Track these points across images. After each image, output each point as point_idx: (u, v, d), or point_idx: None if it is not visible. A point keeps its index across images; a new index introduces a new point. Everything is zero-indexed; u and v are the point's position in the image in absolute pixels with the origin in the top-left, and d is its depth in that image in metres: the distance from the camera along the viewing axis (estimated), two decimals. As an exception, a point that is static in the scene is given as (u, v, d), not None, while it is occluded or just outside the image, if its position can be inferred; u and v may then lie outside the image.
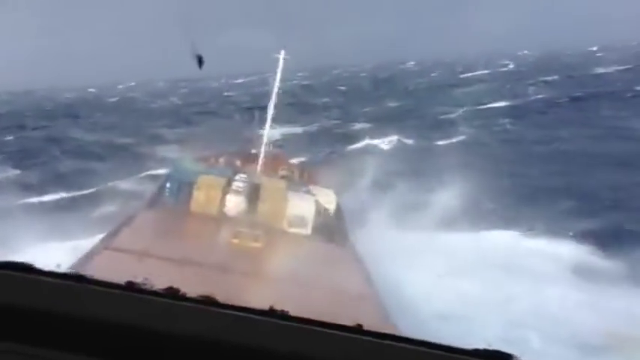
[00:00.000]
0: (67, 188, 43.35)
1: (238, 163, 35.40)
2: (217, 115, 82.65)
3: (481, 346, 2.15)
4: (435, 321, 21.89)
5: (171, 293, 2.12)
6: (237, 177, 30.05)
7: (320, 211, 28.61)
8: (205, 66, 18.54)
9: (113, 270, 18.45)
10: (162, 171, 38.86)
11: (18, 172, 48.94)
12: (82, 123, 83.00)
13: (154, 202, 27.55)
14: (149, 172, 45.04)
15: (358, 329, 2.14)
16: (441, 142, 61.36)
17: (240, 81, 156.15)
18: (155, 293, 2.07)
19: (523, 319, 23.35)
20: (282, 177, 33.75)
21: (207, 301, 2.10)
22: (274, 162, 35.93)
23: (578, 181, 43.25)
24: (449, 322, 21.83)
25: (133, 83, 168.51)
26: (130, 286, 2.12)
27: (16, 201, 36.58)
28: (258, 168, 33.63)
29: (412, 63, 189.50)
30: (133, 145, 60.13)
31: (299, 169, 37.25)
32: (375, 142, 61.89)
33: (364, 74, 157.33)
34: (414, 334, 2.35)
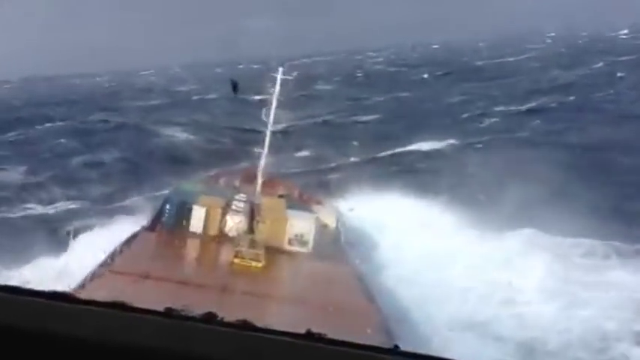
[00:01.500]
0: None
1: (237, 183, 35.51)
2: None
3: None
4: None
5: (209, 318, 2.17)
6: (236, 197, 30.14)
7: (320, 229, 28.65)
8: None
9: (113, 292, 18.49)
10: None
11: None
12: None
13: (154, 223, 27.56)
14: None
15: (393, 349, 2.20)
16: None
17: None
18: (192, 318, 2.13)
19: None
20: (281, 196, 33.83)
21: (245, 326, 2.15)
22: (274, 182, 36.03)
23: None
24: None
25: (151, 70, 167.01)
26: (169, 312, 2.18)
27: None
28: (258, 188, 33.68)
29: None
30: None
31: (298, 189, 37.36)
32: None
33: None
34: None
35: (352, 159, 54.51)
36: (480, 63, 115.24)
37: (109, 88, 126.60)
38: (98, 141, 60.51)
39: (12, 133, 67.00)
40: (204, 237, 26.99)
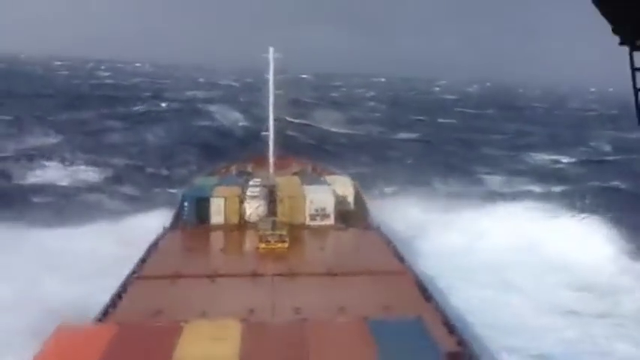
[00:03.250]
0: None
1: (250, 168, 35.41)
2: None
3: None
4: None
5: None
6: (251, 182, 30.08)
7: (339, 199, 28.62)
8: None
9: (149, 298, 18.59)
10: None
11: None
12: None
13: (176, 222, 27.59)
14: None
15: None
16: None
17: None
18: None
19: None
20: (295, 173, 33.73)
21: None
22: (285, 160, 35.89)
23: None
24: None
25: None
26: None
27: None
28: (270, 169, 33.62)
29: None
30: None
31: (312, 164, 37.22)
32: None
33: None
34: None
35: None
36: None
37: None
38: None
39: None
40: (226, 227, 27.01)
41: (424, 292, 19.63)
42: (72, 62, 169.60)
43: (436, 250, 26.20)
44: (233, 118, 72.88)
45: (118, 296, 18.85)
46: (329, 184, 29.81)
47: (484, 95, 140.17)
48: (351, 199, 29.45)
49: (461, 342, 15.82)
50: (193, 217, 27.35)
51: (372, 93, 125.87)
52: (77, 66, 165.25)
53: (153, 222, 28.22)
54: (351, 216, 28.55)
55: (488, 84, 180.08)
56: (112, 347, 12.70)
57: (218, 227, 26.99)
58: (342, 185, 30.08)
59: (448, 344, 15.02)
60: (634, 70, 2.24)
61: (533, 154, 62.87)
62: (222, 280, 20.42)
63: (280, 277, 20.71)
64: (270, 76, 32.51)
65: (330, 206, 27.67)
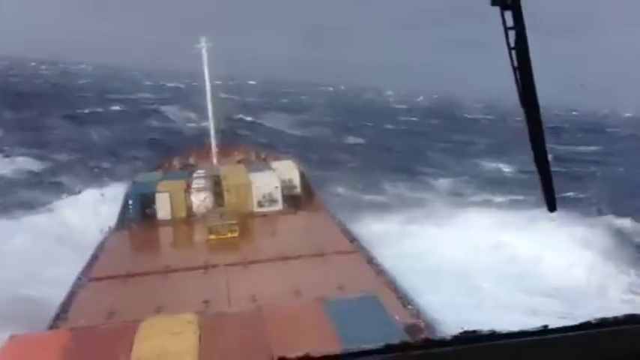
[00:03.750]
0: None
1: (192, 160, 35.09)
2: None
3: None
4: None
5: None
6: (195, 174, 29.82)
7: (285, 183, 28.67)
8: None
9: (101, 300, 18.30)
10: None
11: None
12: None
13: (121, 222, 27.15)
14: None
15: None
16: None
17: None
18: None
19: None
20: (239, 161, 33.60)
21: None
22: (228, 150, 35.71)
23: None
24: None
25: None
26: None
27: None
28: (214, 160, 33.41)
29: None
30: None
31: (254, 150, 37.13)
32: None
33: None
34: None
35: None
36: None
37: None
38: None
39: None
40: (174, 221, 26.75)
41: (376, 269, 19.91)
42: (9, 61, 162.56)
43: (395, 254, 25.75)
44: (183, 116, 72.01)
45: (69, 301, 18.48)
46: (274, 170, 29.80)
47: (432, 106, 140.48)
48: (297, 182, 29.53)
49: (416, 314, 16.18)
50: (139, 214, 26.96)
51: (321, 100, 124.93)
52: (17, 65, 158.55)
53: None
54: (298, 200, 28.67)
55: (435, 96, 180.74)
56: (68, 353, 12.47)
57: (166, 222, 26.70)
58: (288, 170, 30.13)
59: (404, 317, 15.33)
60: (506, 29, 2.36)
61: (478, 160, 63.04)
62: (174, 274, 20.23)
63: (233, 266, 20.65)
64: (205, 65, 32.29)
65: (276, 191, 27.71)
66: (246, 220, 25.63)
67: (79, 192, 34.61)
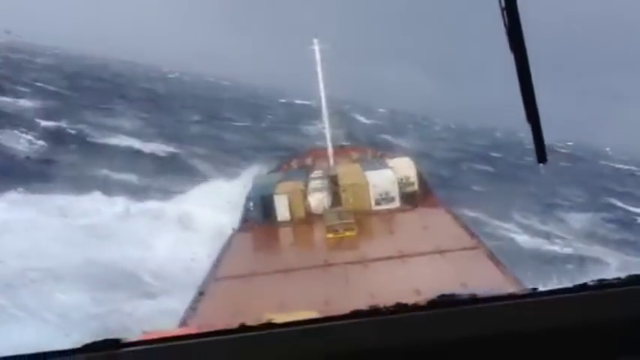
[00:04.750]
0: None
1: (310, 161, 35.67)
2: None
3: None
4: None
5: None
6: (312, 175, 30.27)
7: (402, 180, 28.39)
8: None
9: (227, 298, 18.99)
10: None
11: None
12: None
13: (243, 224, 28.12)
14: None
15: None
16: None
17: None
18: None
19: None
20: (355, 161, 33.72)
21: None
22: (343, 150, 36.01)
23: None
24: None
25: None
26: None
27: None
28: (330, 160, 33.76)
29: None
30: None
31: (370, 149, 37.16)
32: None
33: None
34: None
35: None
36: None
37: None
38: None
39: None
40: (293, 222, 27.29)
41: (498, 264, 19.19)
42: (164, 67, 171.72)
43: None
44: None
45: (198, 299, 19.34)
46: (390, 167, 29.59)
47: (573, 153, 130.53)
48: (414, 179, 29.14)
49: None
50: (260, 216, 27.76)
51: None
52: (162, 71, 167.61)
53: None
54: (416, 197, 28.29)
55: (570, 143, 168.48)
56: None
57: (285, 223, 27.29)
58: (404, 167, 29.81)
59: None
60: None
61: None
62: (295, 274, 20.60)
63: (352, 264, 20.70)
64: (319, 68, 32.77)
65: (394, 189, 27.51)
66: (363, 219, 25.63)
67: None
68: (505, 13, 2.37)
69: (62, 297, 21.56)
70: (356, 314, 1.97)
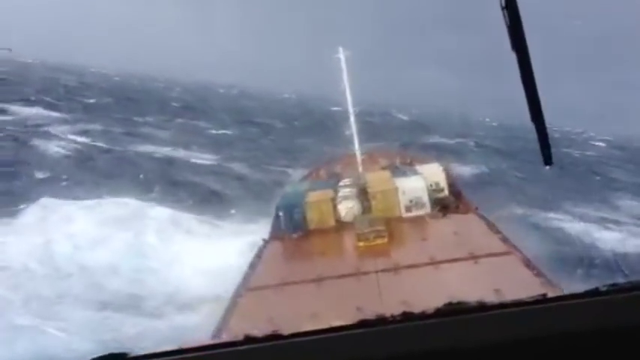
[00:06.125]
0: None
1: (339, 169, 35.64)
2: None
3: None
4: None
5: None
6: (341, 183, 30.23)
7: (432, 186, 28.17)
8: None
9: (259, 308, 19.02)
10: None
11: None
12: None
13: (274, 233, 28.17)
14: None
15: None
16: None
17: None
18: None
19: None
20: (384, 168, 33.58)
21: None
22: (372, 156, 35.91)
23: None
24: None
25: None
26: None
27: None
28: (359, 167, 33.70)
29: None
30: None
31: (399, 155, 36.97)
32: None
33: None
34: None
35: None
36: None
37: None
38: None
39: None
40: (323, 231, 27.23)
41: (533, 270, 18.87)
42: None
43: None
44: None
45: (230, 310, 19.41)
46: (420, 174, 29.39)
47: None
48: (444, 184, 28.92)
49: None
50: (290, 226, 27.77)
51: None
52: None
53: None
54: (446, 202, 28.03)
55: (609, 137, 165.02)
56: None
57: (315, 232, 27.25)
58: (434, 172, 29.61)
59: None
60: None
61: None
62: (327, 282, 20.53)
63: (384, 272, 20.56)
64: (344, 75, 32.82)
65: (424, 195, 27.30)
66: (394, 226, 25.47)
67: None
68: (506, 12, 2.35)
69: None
70: (363, 324, 1.95)
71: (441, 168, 30.35)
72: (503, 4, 2.32)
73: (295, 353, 1.97)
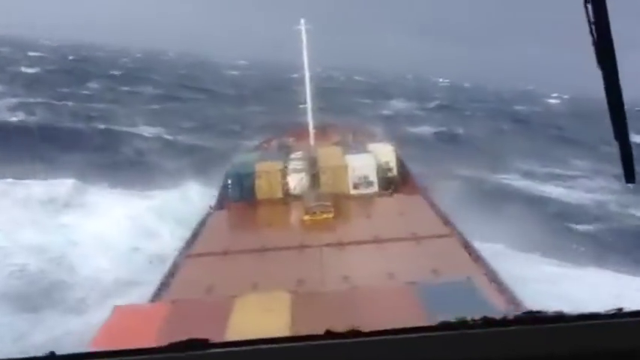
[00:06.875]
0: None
1: (290, 141, 35.52)
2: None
3: None
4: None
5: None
6: (292, 156, 30.17)
7: (382, 166, 28.44)
8: None
9: (200, 275, 18.94)
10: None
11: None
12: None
13: (220, 201, 27.99)
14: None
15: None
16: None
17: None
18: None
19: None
20: (336, 143, 33.64)
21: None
22: (325, 131, 35.88)
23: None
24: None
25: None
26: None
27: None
28: (311, 141, 33.67)
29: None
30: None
31: (351, 131, 37.06)
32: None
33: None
34: None
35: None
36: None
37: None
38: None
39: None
40: (271, 202, 27.21)
41: (471, 253, 19.36)
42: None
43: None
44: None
45: (171, 275, 19.26)
46: (370, 152, 29.59)
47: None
48: (393, 165, 29.23)
49: (512, 300, 15.56)
50: (238, 194, 27.62)
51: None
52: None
53: None
54: (394, 182, 28.39)
55: (566, 96, 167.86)
56: (168, 323, 13.18)
57: (263, 202, 27.21)
58: (384, 152, 29.86)
59: (499, 303, 14.80)
60: None
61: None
62: (270, 253, 20.59)
63: (328, 247, 20.74)
64: (304, 49, 32.50)
65: (372, 174, 27.56)
66: (341, 202, 25.66)
67: None
68: (594, 26, 2.24)
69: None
70: (444, 327, 1.94)
71: (391, 148, 30.59)
72: (592, 18, 2.23)
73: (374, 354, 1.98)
